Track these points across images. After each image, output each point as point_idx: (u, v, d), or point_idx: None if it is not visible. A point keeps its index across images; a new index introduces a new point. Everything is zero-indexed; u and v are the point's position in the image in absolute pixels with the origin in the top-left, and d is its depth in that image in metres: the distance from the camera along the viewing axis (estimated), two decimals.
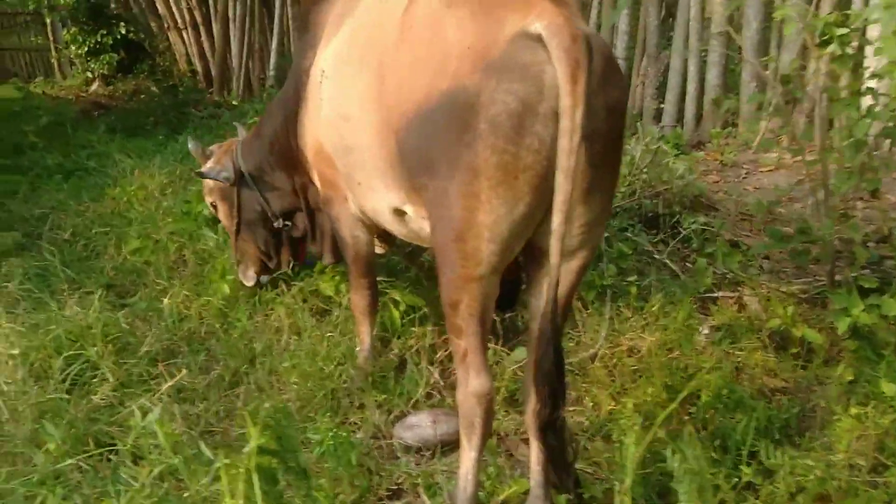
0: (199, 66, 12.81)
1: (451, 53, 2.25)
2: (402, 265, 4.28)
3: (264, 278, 4.10)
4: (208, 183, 4.01)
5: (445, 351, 3.54)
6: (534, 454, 2.60)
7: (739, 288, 4.12)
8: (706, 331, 3.70)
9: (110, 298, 3.88)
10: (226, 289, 4.10)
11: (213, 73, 12.40)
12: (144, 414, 2.34)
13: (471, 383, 2.44)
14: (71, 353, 3.08)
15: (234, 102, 10.01)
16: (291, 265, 4.10)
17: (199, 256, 4.38)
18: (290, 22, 11.49)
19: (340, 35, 3.06)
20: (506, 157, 2.15)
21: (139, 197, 5.19)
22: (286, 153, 3.62)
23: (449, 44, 2.28)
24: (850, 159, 3.10)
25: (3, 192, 6.02)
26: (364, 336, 3.51)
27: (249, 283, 4.06)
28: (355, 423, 3.16)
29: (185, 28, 13.01)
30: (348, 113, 2.79)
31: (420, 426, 3.11)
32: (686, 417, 3.08)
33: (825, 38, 2.91)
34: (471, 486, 2.54)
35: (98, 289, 4.10)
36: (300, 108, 3.35)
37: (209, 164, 3.95)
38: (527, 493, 2.63)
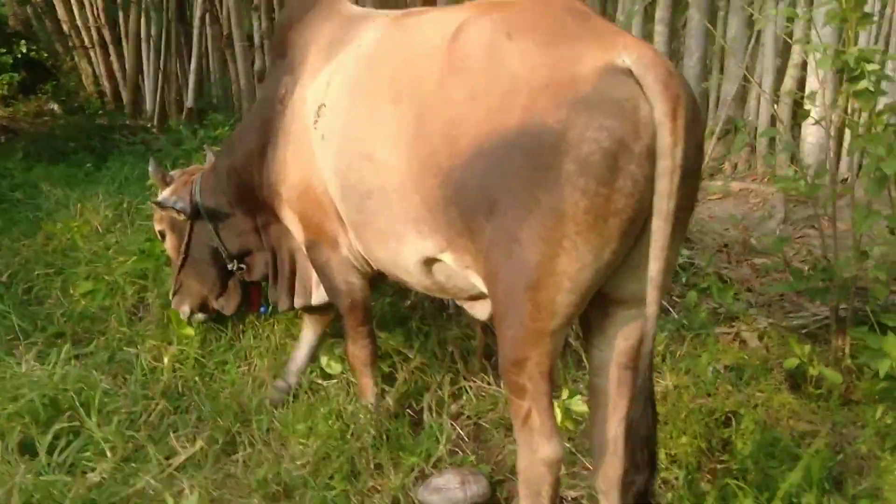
0: (107, 88, 12.12)
1: (517, 88, 2.08)
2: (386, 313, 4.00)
3: (199, 316, 3.76)
4: (158, 209, 3.64)
5: (458, 402, 3.33)
6: None
7: (734, 323, 4.06)
8: (712, 370, 3.61)
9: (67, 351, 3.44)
10: (190, 331, 3.77)
11: (124, 95, 11.76)
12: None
13: (540, 449, 2.24)
14: (65, 424, 2.67)
15: (162, 127, 9.47)
16: (237, 311, 3.78)
17: (164, 300, 3.99)
18: (210, 42, 11.03)
19: (341, 65, 2.80)
20: (597, 199, 1.98)
21: (83, 233, 4.74)
22: (247, 190, 3.33)
23: (514, 78, 2.10)
24: (875, 194, 3.06)
25: None
26: (367, 390, 3.23)
27: (183, 317, 3.76)
28: (375, 489, 2.88)
29: (93, 47, 12.33)
30: (371, 153, 2.51)
31: (448, 488, 2.89)
32: (719, 466, 2.97)
33: (855, 73, 2.87)
34: None
35: (51, 340, 3.72)
36: (271, 142, 3.08)
37: (166, 191, 3.60)
38: None
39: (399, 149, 2.40)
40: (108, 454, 2.58)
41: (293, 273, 3.44)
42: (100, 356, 3.68)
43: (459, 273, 2.46)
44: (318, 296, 3.36)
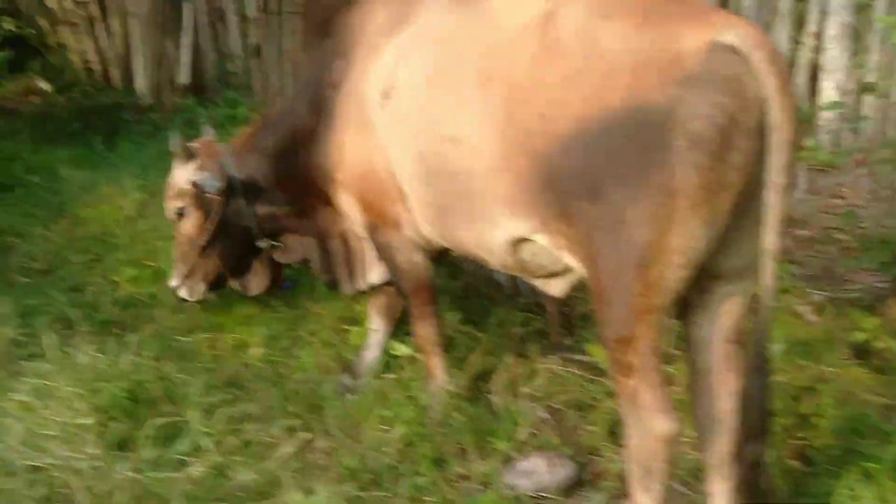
0: (97, 65, 11.83)
1: (617, 69, 2.08)
2: None
3: (211, 296, 3.72)
4: (178, 184, 3.44)
5: (528, 384, 3.31)
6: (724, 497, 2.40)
7: (785, 297, 4.06)
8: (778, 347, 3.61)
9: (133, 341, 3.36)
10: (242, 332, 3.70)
11: (114, 73, 11.48)
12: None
13: (654, 425, 2.23)
14: (166, 419, 2.60)
15: (156, 105, 9.26)
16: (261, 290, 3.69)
17: None
18: (205, 18, 10.79)
19: (410, 48, 2.76)
20: (709, 175, 2.01)
21: (115, 218, 4.64)
22: (290, 171, 3.29)
23: (613, 58, 2.10)
24: None
25: None
26: (437, 370, 3.20)
27: (192, 297, 3.60)
28: (464, 476, 2.86)
29: (80, 23, 12.02)
30: (458, 136, 2.50)
31: (536, 472, 2.88)
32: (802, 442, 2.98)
33: None
34: None
35: (101, 329, 3.64)
36: (324, 127, 3.06)
37: (191, 166, 3.42)
38: None
39: (489, 132, 2.39)
40: (213, 448, 2.51)
41: (349, 255, 3.39)
42: (153, 345, 3.59)
43: (551, 253, 2.46)
44: (378, 274, 3.33)
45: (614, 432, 3.09)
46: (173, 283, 3.55)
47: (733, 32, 2.01)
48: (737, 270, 2.26)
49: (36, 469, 2.45)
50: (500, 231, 2.53)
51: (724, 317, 2.34)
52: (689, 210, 2.02)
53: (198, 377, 3.19)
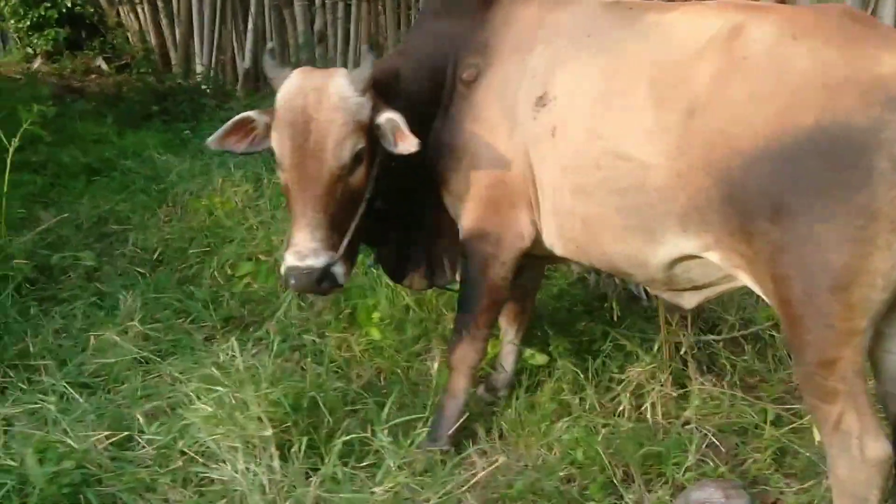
0: (154, 46, 11.75)
1: (809, 88, 2.07)
2: None
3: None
4: (356, 116, 2.59)
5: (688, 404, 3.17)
6: None
7: None
8: None
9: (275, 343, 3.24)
10: (375, 334, 3.55)
11: (174, 55, 11.39)
12: None
13: (867, 450, 2.14)
14: (352, 435, 2.48)
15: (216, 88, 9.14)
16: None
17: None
18: (271, 2, 10.66)
19: (568, 57, 2.66)
20: None
21: (226, 209, 4.53)
22: None
23: (804, 78, 2.10)
24: None
25: (20, 194, 5.13)
26: (462, 393, 2.97)
27: (345, 280, 2.74)
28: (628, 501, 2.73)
29: (141, 2, 11.95)
30: (629, 153, 2.43)
31: (713, 501, 2.72)
32: None
33: None
34: None
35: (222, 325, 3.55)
36: (448, 125, 2.89)
37: (366, 98, 2.63)
38: None
39: (663, 148, 2.36)
40: (404, 469, 2.39)
41: (430, 250, 3.22)
42: (281, 345, 3.48)
43: (710, 269, 2.48)
44: (449, 276, 3.21)
45: (781, 460, 2.98)
46: (322, 259, 2.55)
47: None
48: None
49: (211, 482, 2.34)
50: (665, 247, 2.48)
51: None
52: (892, 232, 1.99)
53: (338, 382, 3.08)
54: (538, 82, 2.68)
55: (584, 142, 2.53)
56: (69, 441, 2.41)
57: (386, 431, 2.54)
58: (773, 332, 3.57)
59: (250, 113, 2.77)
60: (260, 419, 2.44)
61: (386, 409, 2.74)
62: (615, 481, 2.78)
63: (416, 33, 3.09)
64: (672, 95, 2.33)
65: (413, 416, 2.83)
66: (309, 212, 2.54)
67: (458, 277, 3.16)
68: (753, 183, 2.15)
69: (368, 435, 2.59)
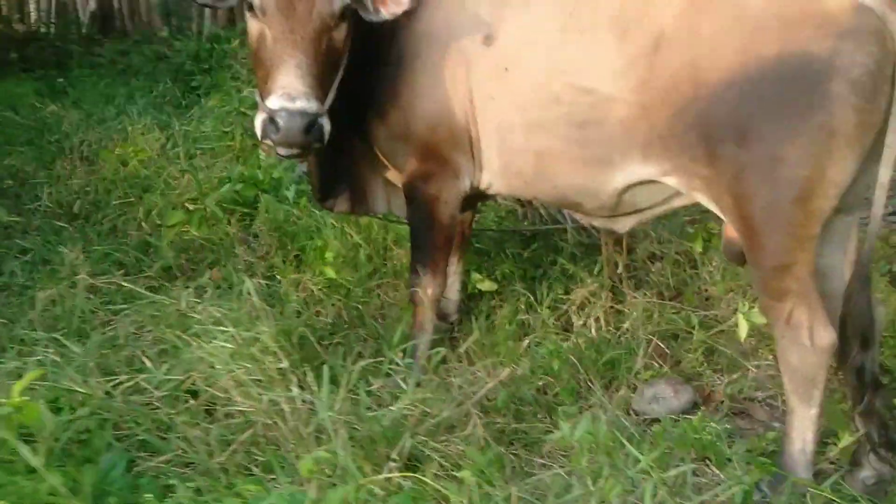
0: None
1: (768, 23, 2.34)
2: None
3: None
4: None
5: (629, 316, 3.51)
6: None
7: None
8: None
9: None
10: (331, 273, 3.63)
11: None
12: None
13: (817, 337, 2.47)
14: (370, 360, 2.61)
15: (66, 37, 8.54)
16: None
17: (280, 229, 3.85)
18: None
19: (531, 2, 2.75)
20: (863, 115, 2.30)
21: (139, 159, 4.38)
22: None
23: (762, 14, 2.35)
24: None
25: None
26: (429, 324, 3.12)
27: (327, 132, 2.61)
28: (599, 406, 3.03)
29: None
30: (592, 87, 2.59)
31: (664, 397, 3.10)
32: None
33: None
34: (811, 444, 2.56)
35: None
36: (386, 65, 2.89)
37: None
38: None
39: (627, 82, 2.53)
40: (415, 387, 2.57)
41: (356, 178, 3.28)
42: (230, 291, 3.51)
43: (686, 194, 2.66)
44: (381, 206, 3.33)
45: (709, 358, 3.41)
46: (314, 105, 2.48)
47: None
48: (850, 204, 2.53)
49: (240, 414, 2.42)
50: (623, 174, 2.68)
51: (848, 243, 2.64)
52: (847, 147, 2.31)
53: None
54: (483, 23, 2.75)
55: (542, 78, 2.66)
56: (76, 388, 2.39)
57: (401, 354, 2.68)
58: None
59: None
60: (275, 353, 2.52)
61: (398, 333, 2.88)
62: (580, 388, 3.08)
63: None
64: (636, 31, 2.50)
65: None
66: (298, 55, 2.47)
67: (377, 209, 3.31)
68: (720, 111, 2.38)
69: (383, 359, 2.72)
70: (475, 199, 3.18)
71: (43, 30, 9.25)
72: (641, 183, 2.68)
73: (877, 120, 2.33)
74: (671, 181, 2.62)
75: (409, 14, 2.74)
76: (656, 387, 3.14)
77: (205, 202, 4.02)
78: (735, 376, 3.33)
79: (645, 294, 3.68)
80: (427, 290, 3.06)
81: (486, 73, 2.78)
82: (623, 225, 2.99)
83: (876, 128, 2.35)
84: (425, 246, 3.04)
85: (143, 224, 4.03)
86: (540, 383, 3.00)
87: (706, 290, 3.86)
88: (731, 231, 2.69)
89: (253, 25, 2.60)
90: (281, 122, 2.43)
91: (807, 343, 2.49)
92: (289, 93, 2.43)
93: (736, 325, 3.43)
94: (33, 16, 10.97)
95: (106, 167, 4.37)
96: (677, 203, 2.83)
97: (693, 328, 3.51)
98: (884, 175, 2.36)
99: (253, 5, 2.54)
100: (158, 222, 4.05)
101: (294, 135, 2.45)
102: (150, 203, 4.11)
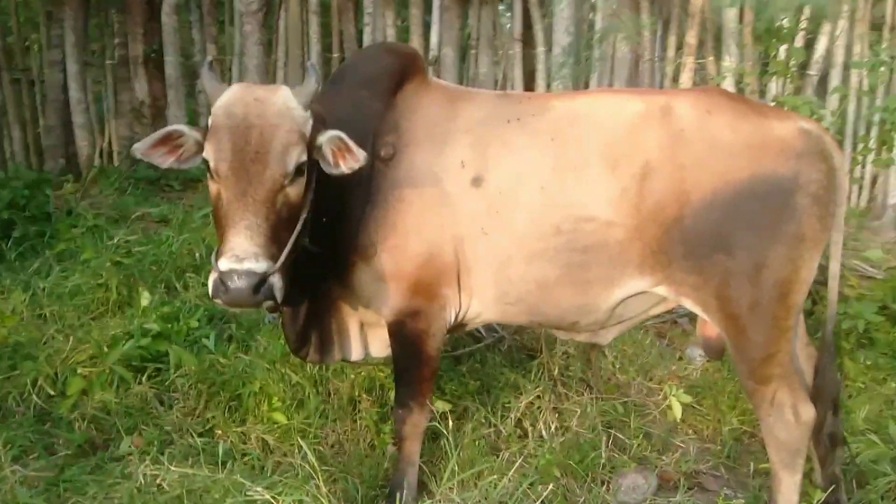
0: None
1: (737, 150, 2.76)
2: None
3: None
4: (300, 126, 2.59)
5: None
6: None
7: None
8: None
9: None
10: (281, 418, 3.46)
11: None
12: None
13: (802, 413, 2.87)
14: None
15: None
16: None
17: (208, 380, 3.63)
18: None
19: (491, 139, 2.95)
20: (823, 221, 2.79)
21: (9, 325, 3.86)
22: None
23: (731, 143, 2.78)
24: None
25: None
26: (415, 456, 3.13)
27: (280, 296, 2.50)
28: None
29: None
30: (592, 215, 2.84)
31: (638, 485, 3.36)
32: None
33: None
34: None
35: None
36: (364, 201, 2.94)
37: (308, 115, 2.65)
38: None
39: (622, 208, 2.83)
40: None
41: (329, 326, 3.23)
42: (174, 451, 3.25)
43: (649, 301, 3.01)
44: (357, 354, 3.30)
45: (648, 442, 3.73)
46: (262, 265, 2.41)
47: (808, 123, 2.87)
48: None
49: None
50: (621, 290, 2.94)
51: (798, 328, 3.04)
52: (814, 249, 2.77)
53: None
54: (470, 167, 2.92)
55: (540, 212, 2.87)
56: None
57: None
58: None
59: (180, 126, 2.65)
60: None
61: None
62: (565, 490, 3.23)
63: (335, 98, 3.02)
64: (625, 163, 2.80)
65: None
66: (249, 217, 2.44)
67: (351, 356, 3.26)
68: (705, 227, 2.73)
69: None
70: (452, 329, 3.21)
71: None
72: (634, 295, 2.94)
73: (831, 223, 2.80)
74: (661, 290, 2.90)
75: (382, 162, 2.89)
76: (627, 477, 3.39)
77: (105, 363, 3.66)
78: (676, 454, 3.65)
79: (578, 391, 3.93)
80: (415, 423, 3.08)
81: (477, 211, 2.91)
82: (606, 337, 3.23)
83: (829, 230, 2.80)
84: (412, 380, 3.06)
85: (34, 398, 3.56)
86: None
87: (616, 378, 4.20)
88: (708, 330, 3.04)
89: (212, 186, 2.57)
90: (230, 283, 2.38)
91: (791, 419, 2.86)
92: (237, 254, 2.40)
93: (668, 407, 3.80)
94: None
95: None
96: (657, 310, 3.13)
97: (627, 416, 3.81)
98: (834, 267, 2.88)
99: (210, 168, 2.53)
100: (51, 393, 3.61)
101: (242, 295, 2.40)
102: (34, 373, 3.65)
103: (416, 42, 8.53)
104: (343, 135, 2.61)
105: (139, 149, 2.59)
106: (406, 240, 2.92)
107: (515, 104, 3.06)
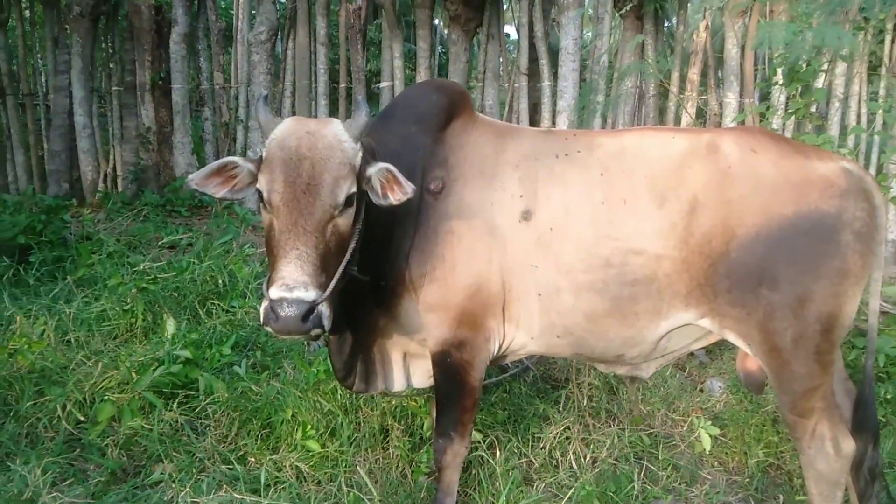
0: None
1: (780, 187, 2.84)
2: None
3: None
4: (350, 158, 2.63)
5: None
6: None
7: None
8: None
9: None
10: (315, 446, 3.46)
11: None
12: None
13: (842, 446, 2.92)
14: None
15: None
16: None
17: (240, 407, 3.62)
18: None
19: (539, 175, 3.02)
20: (865, 258, 2.85)
21: (36, 350, 3.83)
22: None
23: (775, 179, 2.85)
24: None
25: None
26: (454, 486, 3.19)
27: (328, 324, 2.53)
28: None
29: None
30: (642, 248, 2.91)
31: None
32: None
33: None
34: None
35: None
36: (411, 234, 2.99)
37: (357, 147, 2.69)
38: None
39: (670, 241, 2.90)
40: None
41: (374, 356, 3.28)
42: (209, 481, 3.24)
43: (717, 333, 3.01)
44: (401, 384, 3.34)
45: (676, 473, 3.75)
46: (311, 293, 2.46)
47: (848, 162, 2.93)
48: None
49: None
50: (667, 322, 3.00)
51: (839, 362, 3.14)
52: (856, 285, 2.83)
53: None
54: (520, 200, 2.99)
55: (591, 244, 2.92)
56: None
57: None
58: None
59: (234, 158, 2.70)
60: None
61: None
62: None
63: (385, 133, 3.08)
64: (673, 198, 2.88)
65: None
66: (300, 246, 2.49)
67: (394, 387, 3.29)
68: (750, 261, 2.80)
69: None
70: (494, 361, 3.23)
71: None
72: (678, 327, 2.99)
73: (873, 260, 2.86)
74: (705, 322, 2.96)
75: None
76: None
77: (135, 389, 3.65)
78: (705, 486, 3.67)
79: (605, 422, 3.96)
80: (456, 452, 3.11)
81: (526, 244, 2.97)
82: (647, 370, 3.27)
83: (870, 267, 2.87)
84: (454, 410, 3.08)
85: (64, 424, 3.54)
86: None
87: (641, 410, 4.23)
88: (749, 364, 3.09)
89: (265, 216, 2.63)
90: (280, 311, 2.43)
91: (831, 452, 2.91)
92: (287, 283, 2.44)
93: (696, 439, 3.83)
94: None
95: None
96: (699, 344, 3.17)
97: (654, 447, 3.84)
98: (874, 304, 2.93)
99: (263, 199, 2.59)
100: (81, 419, 3.59)
101: (291, 324, 2.43)
102: (62, 398, 3.63)
103: (423, 74, 8.65)
104: (391, 167, 2.66)
105: (195, 179, 2.64)
106: (454, 271, 2.96)
107: (562, 140, 3.13)
